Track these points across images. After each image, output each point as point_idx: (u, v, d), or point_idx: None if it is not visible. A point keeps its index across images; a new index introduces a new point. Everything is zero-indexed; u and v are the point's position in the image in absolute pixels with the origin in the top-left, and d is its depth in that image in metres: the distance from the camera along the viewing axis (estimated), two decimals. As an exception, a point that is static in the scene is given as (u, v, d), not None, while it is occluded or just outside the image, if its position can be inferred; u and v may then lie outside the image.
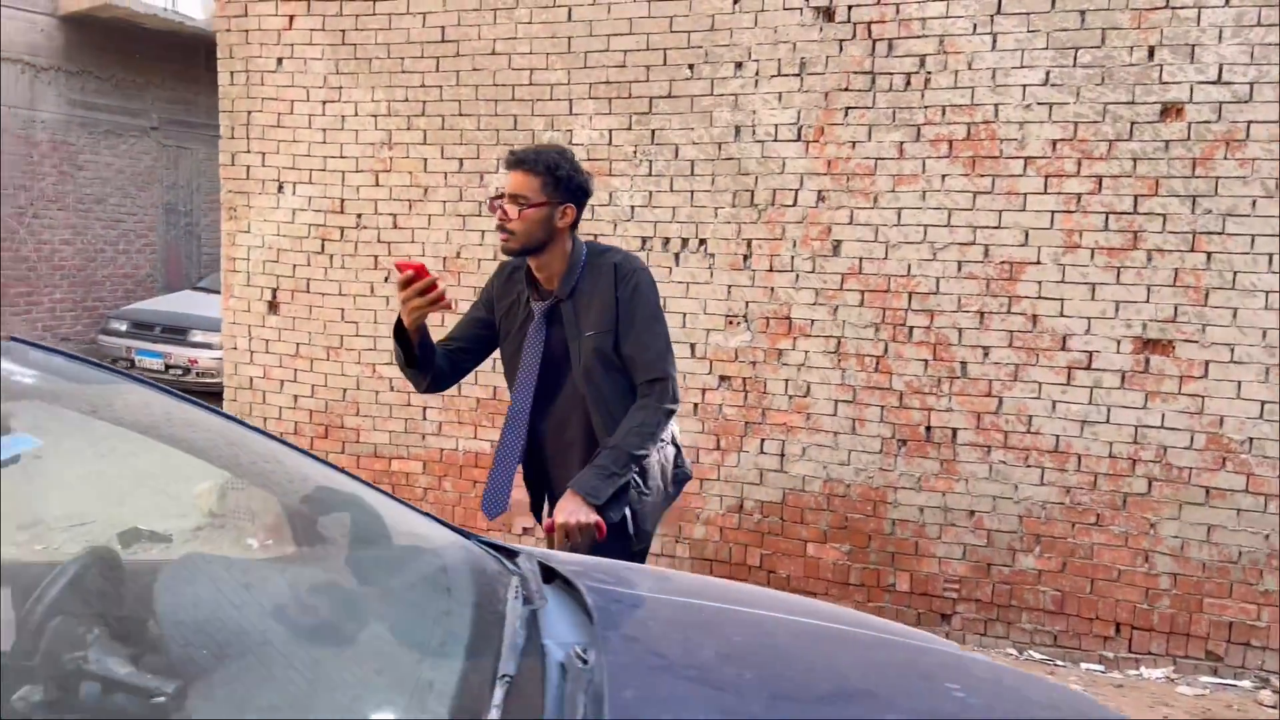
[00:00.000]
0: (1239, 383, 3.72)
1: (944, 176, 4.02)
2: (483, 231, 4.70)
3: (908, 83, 4.04)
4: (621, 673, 1.27)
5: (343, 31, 4.90)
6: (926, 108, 4.02)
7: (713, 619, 1.42)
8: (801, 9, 4.15)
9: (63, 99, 10.27)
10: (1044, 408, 3.95)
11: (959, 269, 4.03)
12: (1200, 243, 3.73)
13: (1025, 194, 3.92)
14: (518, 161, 2.42)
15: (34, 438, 1.30)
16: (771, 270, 4.28)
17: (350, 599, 1.43)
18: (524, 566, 1.55)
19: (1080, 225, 3.86)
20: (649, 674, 1.32)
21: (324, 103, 4.98)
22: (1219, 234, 3.71)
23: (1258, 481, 3.72)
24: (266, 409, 5.17)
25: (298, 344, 5.10)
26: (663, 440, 2.52)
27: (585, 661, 1.29)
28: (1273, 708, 3.57)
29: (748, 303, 4.33)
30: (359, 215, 4.96)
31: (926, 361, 4.09)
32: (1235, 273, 3.70)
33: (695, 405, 4.42)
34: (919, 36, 4.01)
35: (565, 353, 2.50)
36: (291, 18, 4.99)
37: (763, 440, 4.34)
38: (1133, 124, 3.78)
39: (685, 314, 4.42)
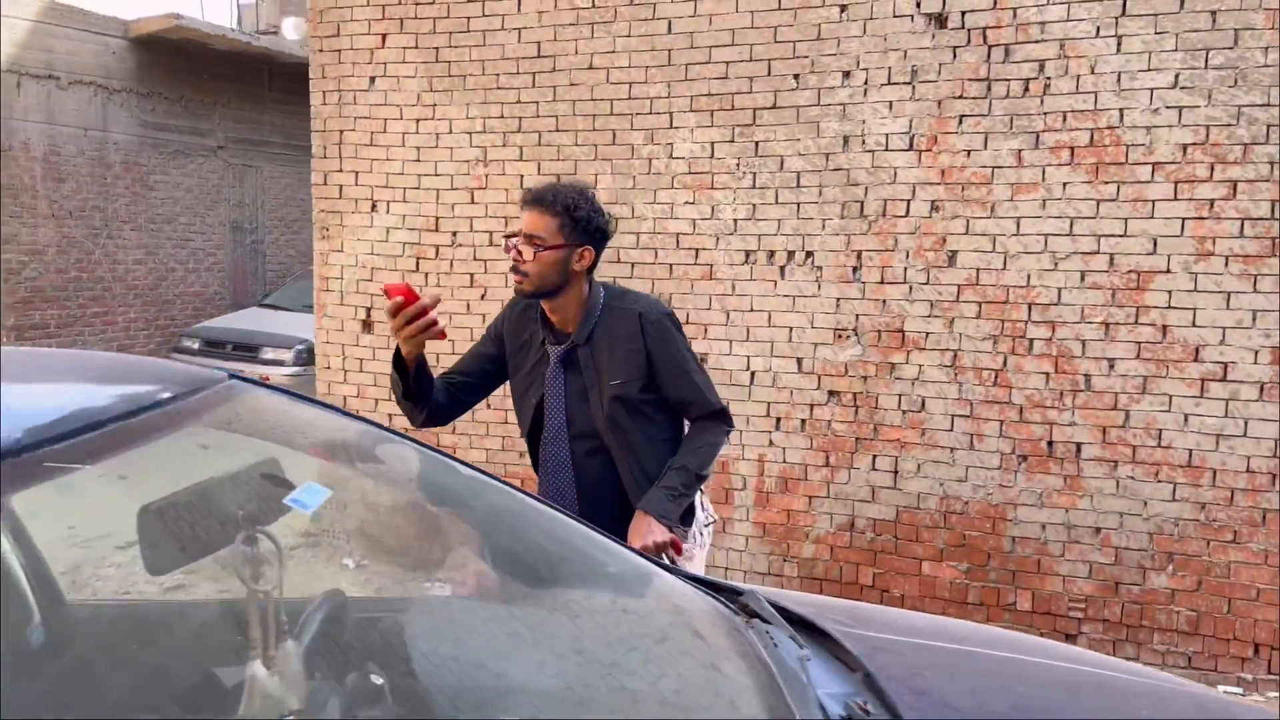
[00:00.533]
0: (1387, 394, 3.57)
1: (1065, 184, 3.90)
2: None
3: (1026, 89, 3.93)
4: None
5: (436, 49, 4.89)
6: (1046, 114, 3.91)
7: (996, 669, 1.34)
8: (913, 16, 4.07)
9: (134, 120, 10.43)
10: (1175, 421, 3.82)
11: (1082, 279, 3.91)
12: (1343, 248, 3.59)
13: (1154, 200, 3.80)
14: (534, 200, 2.31)
15: (323, 488, 1.26)
16: (883, 282, 4.19)
17: (608, 647, 1.37)
18: (759, 608, 1.48)
19: (1214, 232, 3.73)
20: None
21: (418, 120, 4.97)
22: (1364, 239, 3.56)
23: None
24: (362, 428, 5.16)
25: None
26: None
27: (868, 713, 1.21)
28: None
29: (858, 315, 4.24)
30: (454, 233, 4.94)
31: (1048, 374, 3.97)
32: (1382, 279, 3.56)
33: (803, 421, 4.33)
34: (1038, 41, 3.90)
35: (583, 397, 2.41)
36: (384, 36, 4.99)
37: (874, 456, 4.25)
38: (1269, 126, 3.64)
39: (792, 328, 4.33)
